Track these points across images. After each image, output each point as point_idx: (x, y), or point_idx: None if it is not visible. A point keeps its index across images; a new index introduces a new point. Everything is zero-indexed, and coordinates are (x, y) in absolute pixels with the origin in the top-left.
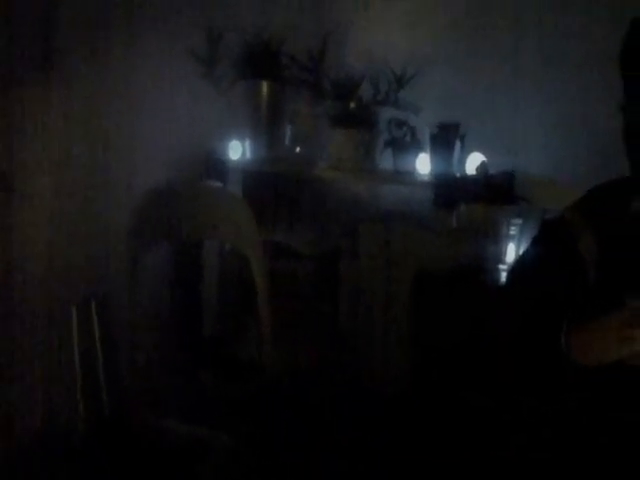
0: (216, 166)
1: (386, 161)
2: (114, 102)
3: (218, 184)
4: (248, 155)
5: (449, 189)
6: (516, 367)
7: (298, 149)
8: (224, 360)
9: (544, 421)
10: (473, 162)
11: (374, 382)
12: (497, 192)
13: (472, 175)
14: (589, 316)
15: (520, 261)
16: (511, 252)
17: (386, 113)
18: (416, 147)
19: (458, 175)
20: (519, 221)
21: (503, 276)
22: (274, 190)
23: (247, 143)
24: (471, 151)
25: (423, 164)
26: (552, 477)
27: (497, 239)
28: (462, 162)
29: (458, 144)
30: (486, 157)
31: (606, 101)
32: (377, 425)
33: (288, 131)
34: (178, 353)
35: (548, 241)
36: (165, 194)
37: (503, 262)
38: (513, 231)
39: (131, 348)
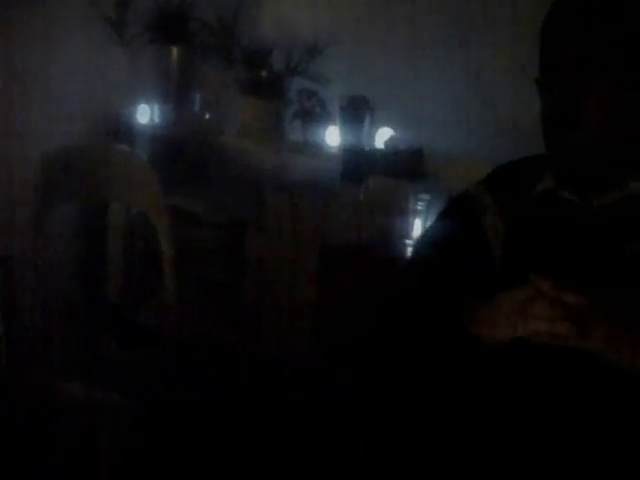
0: (124, 129)
1: (296, 132)
2: (19, 62)
3: (125, 147)
4: (157, 119)
5: (357, 162)
6: (416, 345)
7: (207, 115)
8: (125, 325)
9: (452, 404)
10: (382, 136)
11: (276, 353)
12: (405, 167)
13: (381, 149)
14: (492, 293)
15: (424, 236)
16: (417, 227)
17: (297, 84)
18: (326, 119)
19: (367, 149)
20: (426, 197)
21: (409, 251)
22: (181, 155)
23: (156, 107)
24: (381, 126)
25: (332, 136)
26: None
27: (404, 214)
28: (371, 136)
29: (368, 118)
30: (396, 132)
31: (520, 78)
32: (281, 395)
33: (197, 97)
34: (80, 316)
35: (453, 216)
36: (70, 154)
37: (409, 237)
38: (420, 206)
39: (31, 309)
